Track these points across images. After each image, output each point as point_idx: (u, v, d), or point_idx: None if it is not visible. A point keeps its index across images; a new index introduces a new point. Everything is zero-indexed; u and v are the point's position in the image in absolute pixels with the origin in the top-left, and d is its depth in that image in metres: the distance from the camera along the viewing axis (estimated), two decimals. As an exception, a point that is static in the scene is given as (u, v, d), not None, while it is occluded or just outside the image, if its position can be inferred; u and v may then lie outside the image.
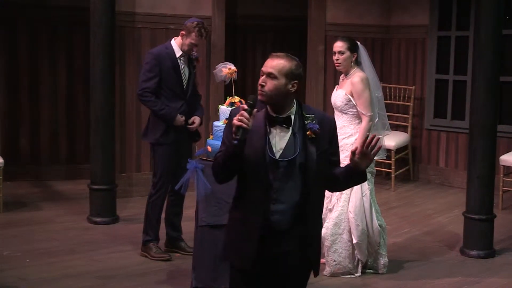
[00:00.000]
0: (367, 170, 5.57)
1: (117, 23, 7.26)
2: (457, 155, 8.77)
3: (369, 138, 3.25)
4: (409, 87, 9.04)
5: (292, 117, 3.31)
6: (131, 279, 5.44)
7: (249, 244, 3.30)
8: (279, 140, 3.29)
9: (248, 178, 3.30)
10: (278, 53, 3.33)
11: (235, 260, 3.40)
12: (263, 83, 3.26)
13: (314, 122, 3.30)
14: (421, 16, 9.02)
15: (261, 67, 3.34)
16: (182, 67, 5.80)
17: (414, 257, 6.12)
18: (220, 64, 5.50)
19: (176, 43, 5.78)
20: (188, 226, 5.96)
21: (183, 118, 5.75)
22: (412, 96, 8.97)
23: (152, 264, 5.76)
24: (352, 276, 5.58)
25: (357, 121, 5.53)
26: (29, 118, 8.34)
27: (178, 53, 5.76)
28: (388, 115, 9.08)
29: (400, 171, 8.94)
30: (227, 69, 5.35)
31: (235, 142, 3.17)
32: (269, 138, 3.29)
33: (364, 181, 3.48)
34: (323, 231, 5.46)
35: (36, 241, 6.26)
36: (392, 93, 9.13)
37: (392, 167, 8.63)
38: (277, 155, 3.27)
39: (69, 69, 8.43)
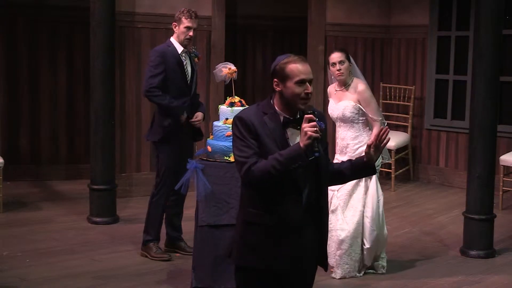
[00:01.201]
0: None
1: (117, 23, 7.26)
2: (457, 155, 8.77)
3: (382, 131, 3.32)
4: (409, 87, 9.04)
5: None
6: (131, 279, 5.44)
7: (288, 244, 3.29)
8: (294, 141, 3.27)
9: (281, 182, 3.24)
10: (300, 57, 3.30)
11: (272, 263, 3.32)
12: (310, 91, 3.26)
13: (318, 119, 3.26)
14: (421, 16, 9.02)
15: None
16: (185, 63, 5.82)
17: (414, 257, 6.12)
18: (220, 64, 5.49)
19: (175, 40, 5.80)
20: (188, 226, 5.95)
21: (185, 115, 5.76)
22: (412, 96, 8.98)
23: (152, 264, 5.76)
24: (353, 277, 5.59)
25: (367, 127, 5.58)
26: (29, 118, 8.35)
27: (180, 49, 5.79)
28: (388, 115, 9.17)
29: (400, 171, 8.94)
30: (227, 69, 5.35)
31: (317, 154, 3.16)
32: (288, 140, 3.28)
33: (374, 174, 3.54)
34: (344, 234, 5.48)
35: (36, 241, 6.26)
36: (392, 93, 9.13)
37: (392, 167, 8.63)
38: None
39: (69, 69, 8.44)
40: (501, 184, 7.66)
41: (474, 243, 6.14)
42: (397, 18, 9.27)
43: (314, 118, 3.14)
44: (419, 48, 9.10)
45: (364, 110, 5.52)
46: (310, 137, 3.10)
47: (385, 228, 5.66)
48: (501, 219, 6.89)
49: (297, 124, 3.25)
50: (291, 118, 3.28)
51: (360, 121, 5.55)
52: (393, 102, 9.12)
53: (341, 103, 5.59)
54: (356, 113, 5.53)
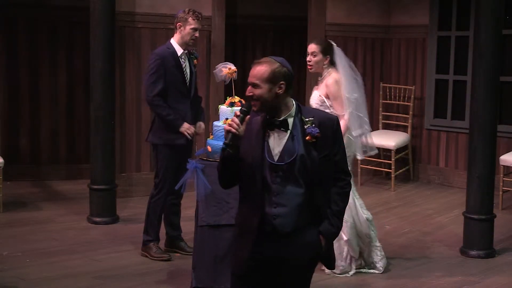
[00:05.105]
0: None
1: (117, 23, 7.26)
2: (457, 155, 8.77)
3: None
4: (409, 87, 9.04)
5: (291, 120, 3.29)
6: (131, 279, 5.44)
7: (243, 248, 3.32)
8: (277, 143, 3.29)
9: (246, 181, 3.32)
10: (260, 60, 3.33)
11: (232, 264, 3.42)
12: (250, 93, 3.29)
13: (313, 125, 3.27)
14: (421, 16, 9.01)
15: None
16: (184, 65, 5.82)
17: (414, 257, 6.12)
18: (220, 64, 5.50)
19: (175, 42, 5.79)
20: (188, 226, 5.96)
21: (191, 129, 5.74)
22: (412, 96, 8.98)
23: (152, 264, 5.76)
24: (347, 275, 5.58)
25: None
26: (29, 118, 8.35)
27: (179, 51, 5.78)
28: (388, 115, 9.18)
29: (400, 171, 8.94)
30: (227, 69, 5.35)
31: (223, 146, 3.24)
32: (267, 142, 3.29)
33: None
34: None
35: (36, 241, 6.25)
36: (392, 93, 9.13)
37: (392, 167, 8.63)
38: (276, 158, 3.27)
39: (69, 69, 8.43)
40: (501, 184, 7.66)
41: (474, 243, 6.14)
42: (397, 18, 9.27)
43: (238, 114, 3.26)
44: (419, 48, 9.10)
45: (329, 103, 5.50)
46: (224, 129, 3.25)
47: (361, 214, 5.59)
48: (501, 219, 6.89)
49: (274, 126, 3.29)
50: (270, 119, 3.30)
51: None
52: (393, 102, 9.12)
53: (313, 93, 5.65)
54: (321, 105, 5.54)
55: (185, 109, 5.79)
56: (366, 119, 5.74)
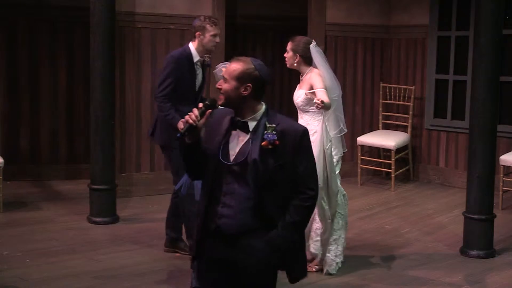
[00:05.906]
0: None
1: (117, 23, 7.26)
2: (457, 155, 8.77)
3: None
4: (409, 87, 9.04)
5: (254, 122, 3.26)
6: (131, 279, 5.44)
7: (191, 246, 3.38)
8: (236, 143, 3.26)
9: (205, 176, 3.34)
10: (240, 57, 3.32)
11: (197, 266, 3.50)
12: (219, 86, 3.31)
13: (273, 133, 3.19)
14: (421, 16, 9.02)
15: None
16: (198, 72, 5.81)
17: (414, 257, 6.12)
18: (220, 64, 5.50)
19: (194, 47, 5.78)
20: (188, 226, 5.96)
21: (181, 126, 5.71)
22: (412, 96, 8.98)
23: (152, 264, 5.76)
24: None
25: (320, 117, 5.53)
26: (29, 118, 8.34)
27: (196, 58, 5.77)
28: (388, 115, 9.18)
29: (400, 171, 8.94)
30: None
31: (178, 135, 3.23)
32: (228, 141, 3.27)
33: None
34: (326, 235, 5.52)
35: (36, 241, 6.26)
36: (392, 93, 9.13)
37: (392, 167, 8.63)
38: (231, 159, 3.24)
39: (69, 69, 8.43)
40: (501, 184, 7.66)
41: (474, 243, 6.14)
42: (397, 18, 9.27)
43: (201, 106, 3.27)
44: (419, 48, 9.10)
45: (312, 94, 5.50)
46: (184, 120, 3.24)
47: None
48: (501, 219, 6.89)
49: (236, 126, 3.28)
50: (234, 119, 3.30)
51: (311, 111, 5.55)
52: (393, 102, 9.12)
53: (298, 91, 5.66)
54: (307, 104, 5.56)
55: (188, 111, 5.76)
56: (343, 118, 5.74)
